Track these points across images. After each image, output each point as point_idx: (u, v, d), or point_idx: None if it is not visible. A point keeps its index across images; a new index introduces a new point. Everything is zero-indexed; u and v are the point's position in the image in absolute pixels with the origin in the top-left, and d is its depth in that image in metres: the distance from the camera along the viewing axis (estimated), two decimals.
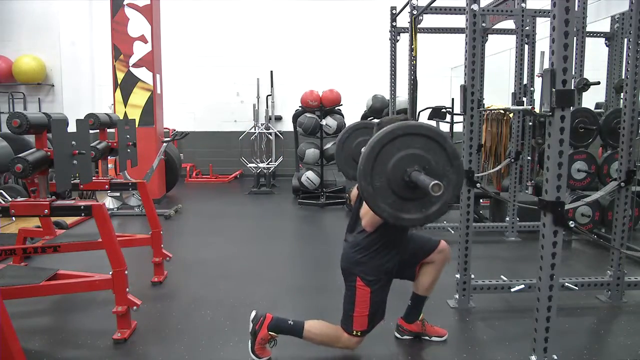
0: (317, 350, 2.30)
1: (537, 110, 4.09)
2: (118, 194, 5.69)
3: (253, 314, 2.23)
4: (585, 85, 3.95)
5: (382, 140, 1.76)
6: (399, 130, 1.77)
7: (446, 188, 1.76)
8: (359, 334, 2.17)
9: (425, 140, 1.78)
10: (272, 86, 8.20)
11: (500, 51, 6.12)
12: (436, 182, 1.61)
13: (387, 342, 2.42)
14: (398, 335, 2.45)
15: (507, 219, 4.40)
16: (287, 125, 8.05)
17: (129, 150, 3.39)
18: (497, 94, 6.48)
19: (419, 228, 4.14)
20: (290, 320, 2.22)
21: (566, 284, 2.76)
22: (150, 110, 6.00)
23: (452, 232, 4.35)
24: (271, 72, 8.18)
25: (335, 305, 2.82)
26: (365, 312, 2.14)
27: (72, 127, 2.40)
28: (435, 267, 2.28)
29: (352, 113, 6.87)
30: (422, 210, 1.81)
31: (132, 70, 5.95)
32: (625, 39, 4.40)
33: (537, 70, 4.68)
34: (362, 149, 1.83)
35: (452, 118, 6.13)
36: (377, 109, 6.39)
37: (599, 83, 4.05)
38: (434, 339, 2.43)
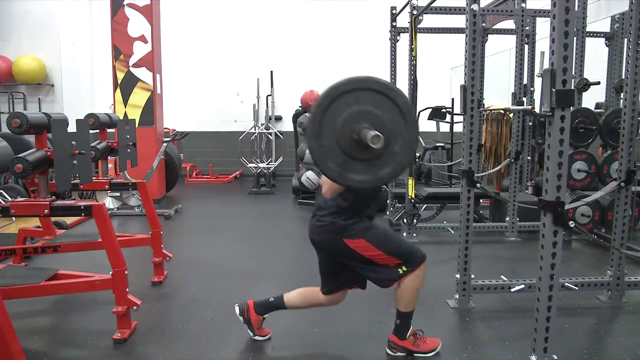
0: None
1: (537, 110, 4.09)
2: (118, 194, 5.68)
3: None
4: (585, 85, 3.94)
5: (330, 97, 1.65)
6: (345, 86, 1.65)
7: (401, 148, 1.67)
8: (404, 269, 2.10)
9: (376, 95, 1.66)
10: (272, 86, 8.20)
11: (500, 51, 6.12)
12: (375, 133, 1.52)
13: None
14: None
15: (507, 219, 4.40)
16: (287, 125, 8.05)
17: (129, 150, 3.39)
18: (497, 94, 6.48)
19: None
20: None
21: (566, 284, 2.76)
22: (150, 110, 6.00)
23: (452, 232, 4.35)
24: (271, 72, 8.18)
25: (336, 305, 2.83)
26: (380, 253, 2.08)
27: (72, 127, 2.40)
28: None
29: None
30: (373, 171, 1.70)
31: (132, 70, 5.95)
32: (625, 39, 4.40)
33: (537, 70, 4.68)
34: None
35: (452, 118, 6.15)
36: None
37: (599, 83, 4.04)
38: (256, 337, 2.39)
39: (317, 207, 2.20)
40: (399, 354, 2.26)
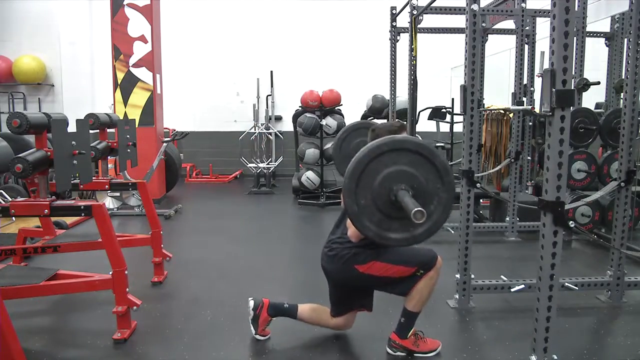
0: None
1: (537, 110, 4.09)
2: (118, 194, 5.69)
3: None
4: (585, 85, 3.95)
5: (368, 156, 1.67)
6: (385, 146, 1.67)
7: (436, 207, 1.69)
8: (421, 272, 2.12)
9: (413, 155, 1.69)
10: (272, 86, 8.21)
11: (500, 51, 6.12)
12: (419, 209, 1.53)
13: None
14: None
15: (507, 219, 4.40)
16: (287, 125, 8.05)
17: (129, 150, 3.39)
18: (497, 94, 6.48)
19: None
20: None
21: (566, 284, 2.76)
22: (150, 110, 6.00)
23: (452, 232, 4.35)
24: (271, 72, 8.18)
25: None
26: (396, 268, 2.10)
27: (72, 127, 2.40)
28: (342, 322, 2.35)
29: (352, 113, 6.87)
30: (410, 230, 1.72)
31: (132, 70, 5.95)
32: (625, 39, 4.40)
33: (537, 70, 4.68)
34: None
35: (452, 118, 6.14)
36: (377, 109, 6.39)
37: (599, 83, 4.04)
38: (257, 335, 2.40)
39: (329, 237, 2.26)
40: (398, 353, 2.26)
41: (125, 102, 5.97)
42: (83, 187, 3.18)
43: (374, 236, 1.74)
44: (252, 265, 3.70)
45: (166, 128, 7.08)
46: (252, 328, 2.40)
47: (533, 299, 1.96)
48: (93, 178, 3.07)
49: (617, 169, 2.81)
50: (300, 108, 6.64)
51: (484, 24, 4.73)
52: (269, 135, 7.70)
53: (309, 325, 2.47)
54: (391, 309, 2.78)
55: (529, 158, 4.75)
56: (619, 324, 2.71)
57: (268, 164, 7.35)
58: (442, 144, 6.79)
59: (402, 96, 5.60)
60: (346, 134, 2.53)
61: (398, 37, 4.87)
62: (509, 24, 4.79)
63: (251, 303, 2.40)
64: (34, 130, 2.35)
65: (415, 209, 1.54)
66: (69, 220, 4.45)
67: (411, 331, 2.25)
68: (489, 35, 5.03)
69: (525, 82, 4.38)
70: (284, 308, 2.40)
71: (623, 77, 3.58)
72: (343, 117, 6.43)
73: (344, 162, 2.46)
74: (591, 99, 4.85)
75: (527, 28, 4.37)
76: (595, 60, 4.70)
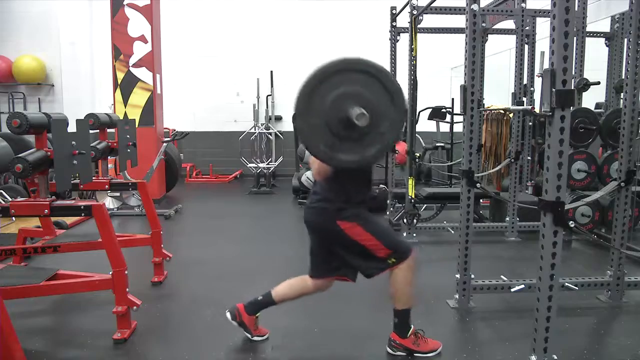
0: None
1: (537, 110, 4.09)
2: (118, 194, 5.69)
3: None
4: (585, 85, 3.95)
5: (318, 77, 1.67)
6: (336, 67, 1.67)
7: (387, 128, 1.69)
8: (393, 260, 2.10)
9: (364, 76, 1.68)
10: (272, 86, 8.20)
11: (500, 51, 6.12)
12: (361, 110, 1.53)
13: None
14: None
15: (507, 219, 4.39)
16: (287, 125, 8.05)
17: (129, 150, 3.39)
18: (497, 94, 6.48)
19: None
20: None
21: (566, 284, 2.76)
22: (150, 110, 6.00)
23: (452, 232, 4.35)
24: (271, 72, 8.18)
25: (336, 304, 2.83)
26: (372, 240, 2.08)
27: (72, 127, 2.40)
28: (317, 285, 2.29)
29: None
30: (360, 151, 1.73)
31: (132, 70, 5.94)
32: (625, 39, 4.39)
33: (537, 70, 4.68)
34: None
35: (452, 118, 6.15)
36: None
37: (599, 83, 4.05)
38: (254, 338, 2.39)
39: (312, 192, 2.24)
40: (399, 353, 2.26)
41: (125, 102, 5.97)
42: (83, 187, 3.18)
43: (325, 157, 1.74)
44: (252, 265, 3.70)
45: (166, 128, 7.08)
46: (246, 334, 2.39)
47: (533, 299, 1.96)
48: (93, 178, 3.07)
49: (617, 169, 2.81)
50: None
51: (484, 24, 4.73)
52: (269, 135, 7.70)
53: (309, 323, 2.47)
54: (391, 308, 2.79)
55: (529, 158, 4.75)
56: (619, 324, 2.70)
57: (268, 164, 7.35)
58: (442, 144, 6.81)
59: None
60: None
61: (398, 37, 4.87)
62: (509, 24, 4.79)
63: (228, 315, 2.39)
64: (34, 130, 2.35)
65: (358, 111, 1.54)
66: (69, 220, 4.45)
67: (411, 330, 2.24)
68: (489, 35, 5.03)
69: (525, 82, 4.38)
70: (259, 301, 2.38)
71: (623, 77, 3.58)
72: None
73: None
74: (591, 99, 4.85)
75: (527, 28, 4.37)
76: (595, 60, 4.69)
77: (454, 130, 6.13)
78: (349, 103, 1.65)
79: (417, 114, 5.34)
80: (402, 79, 4.88)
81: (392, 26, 4.84)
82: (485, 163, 5.27)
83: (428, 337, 2.30)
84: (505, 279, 2.88)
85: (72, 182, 2.46)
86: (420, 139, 6.88)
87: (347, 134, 1.69)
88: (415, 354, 2.25)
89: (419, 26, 4.19)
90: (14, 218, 4.38)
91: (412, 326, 2.25)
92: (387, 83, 1.70)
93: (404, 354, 2.25)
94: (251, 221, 5.45)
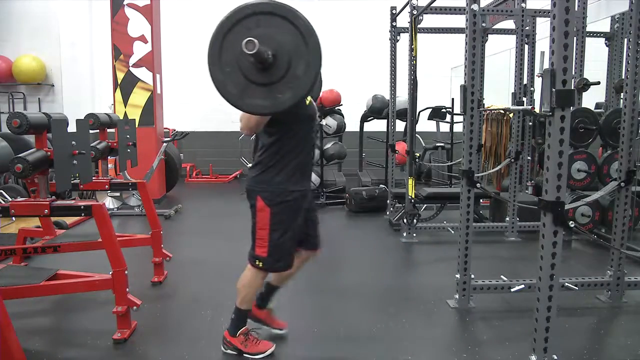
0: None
1: (537, 110, 4.09)
2: (118, 194, 5.69)
3: (222, 348, 2.29)
4: (585, 85, 3.94)
5: (230, 20, 1.65)
6: (248, 9, 1.64)
7: (303, 71, 1.65)
8: (260, 264, 2.12)
9: (277, 19, 1.65)
10: None
11: (500, 51, 6.12)
12: (249, 38, 1.50)
13: (389, 344, 2.42)
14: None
15: (507, 219, 4.39)
16: None
17: (129, 150, 3.39)
18: (497, 94, 6.48)
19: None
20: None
21: (566, 284, 2.76)
22: (150, 110, 6.00)
23: (452, 232, 4.35)
24: None
25: (336, 305, 2.83)
26: (265, 235, 2.09)
27: (72, 127, 2.40)
28: (296, 264, 2.27)
29: (352, 113, 6.87)
30: (274, 96, 1.69)
31: (132, 70, 5.94)
32: (625, 39, 4.40)
33: (537, 70, 4.67)
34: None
35: (452, 118, 6.14)
36: (378, 109, 6.39)
37: (599, 83, 4.04)
38: (274, 331, 2.41)
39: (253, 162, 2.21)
40: (229, 351, 2.26)
41: (125, 102, 5.97)
42: (83, 187, 3.18)
43: (237, 100, 1.72)
44: None
45: (166, 128, 7.08)
46: (268, 329, 2.41)
47: (533, 299, 1.96)
48: (93, 178, 3.07)
49: (617, 169, 2.81)
50: None
51: (484, 24, 4.73)
52: None
53: (308, 324, 2.47)
54: (392, 308, 2.79)
55: (529, 158, 4.74)
56: (619, 324, 2.71)
57: None
58: (442, 144, 6.81)
59: (402, 96, 5.59)
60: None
61: (398, 37, 4.87)
62: (509, 24, 4.79)
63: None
64: (34, 130, 2.35)
65: (246, 39, 1.51)
66: (69, 220, 4.45)
67: (242, 330, 2.24)
68: (489, 35, 5.03)
69: (525, 82, 4.38)
70: (262, 293, 2.40)
71: (623, 77, 3.58)
72: (343, 117, 6.43)
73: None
74: (591, 99, 4.85)
75: (527, 28, 4.37)
76: (595, 60, 4.70)
77: (454, 130, 6.12)
78: (264, 47, 1.59)
79: (417, 114, 5.34)
80: (402, 79, 4.90)
81: (392, 26, 4.84)
82: (485, 163, 5.27)
83: (263, 339, 2.29)
84: (505, 279, 2.88)
85: (72, 182, 2.46)
86: (420, 139, 6.88)
87: (261, 78, 1.66)
88: (244, 354, 2.24)
89: (419, 26, 4.19)
90: (14, 218, 4.38)
91: (247, 326, 2.26)
92: (299, 23, 1.65)
93: (234, 353, 2.25)
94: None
